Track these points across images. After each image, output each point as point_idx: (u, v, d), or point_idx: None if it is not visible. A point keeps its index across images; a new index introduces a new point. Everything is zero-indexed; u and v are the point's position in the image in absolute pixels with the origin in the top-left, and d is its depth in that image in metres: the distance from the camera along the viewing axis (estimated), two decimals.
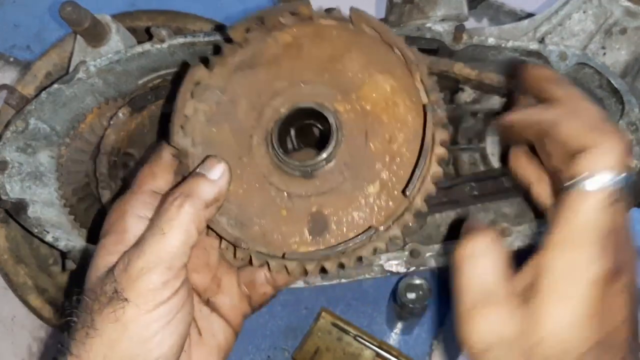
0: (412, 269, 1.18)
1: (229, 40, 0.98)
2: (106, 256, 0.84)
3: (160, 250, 0.80)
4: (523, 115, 0.92)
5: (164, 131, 1.12)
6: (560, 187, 0.79)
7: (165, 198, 0.85)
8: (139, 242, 0.82)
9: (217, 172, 0.88)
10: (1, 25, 1.95)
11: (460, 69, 1.16)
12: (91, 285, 0.82)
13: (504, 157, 1.27)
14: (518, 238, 1.17)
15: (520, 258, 0.82)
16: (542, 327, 0.75)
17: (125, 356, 0.78)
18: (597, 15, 1.23)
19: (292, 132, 1.02)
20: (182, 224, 0.82)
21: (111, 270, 0.81)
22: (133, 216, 0.86)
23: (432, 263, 1.18)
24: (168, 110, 1.01)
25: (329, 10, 1.28)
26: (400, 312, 1.46)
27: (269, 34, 0.96)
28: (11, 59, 1.92)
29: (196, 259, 0.95)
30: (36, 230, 1.21)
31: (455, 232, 1.22)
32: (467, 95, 1.31)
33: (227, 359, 0.98)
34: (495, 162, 1.26)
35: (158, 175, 0.90)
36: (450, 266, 0.84)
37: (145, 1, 1.92)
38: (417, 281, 1.41)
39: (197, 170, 0.88)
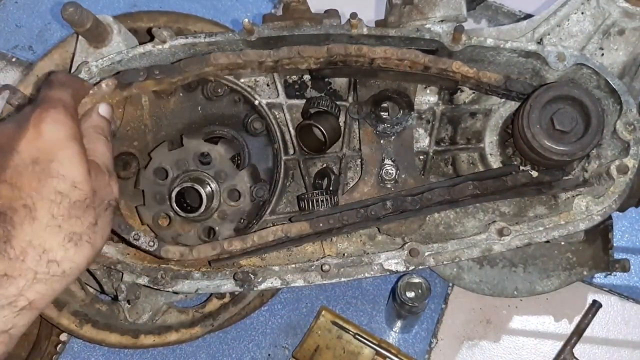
0: (412, 268, 1.19)
1: None
2: None
3: None
4: None
5: None
6: None
7: None
8: None
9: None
10: (3, 25, 1.96)
11: (459, 66, 1.16)
12: None
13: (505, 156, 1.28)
14: (516, 237, 1.18)
15: None
16: None
17: None
18: (595, 16, 1.23)
19: None
20: None
21: None
22: None
23: (432, 262, 1.18)
24: None
25: (328, 12, 1.30)
26: (400, 311, 1.47)
27: None
28: (13, 59, 1.92)
29: None
30: None
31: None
32: (465, 95, 1.32)
33: None
34: (494, 162, 1.27)
35: None
36: None
37: (146, 2, 1.93)
38: (417, 280, 1.42)
39: None
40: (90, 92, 1.06)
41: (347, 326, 1.58)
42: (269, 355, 1.64)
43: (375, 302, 1.68)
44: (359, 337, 1.57)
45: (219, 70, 1.22)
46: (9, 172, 0.85)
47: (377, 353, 1.55)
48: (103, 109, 1.04)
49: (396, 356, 1.55)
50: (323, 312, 1.60)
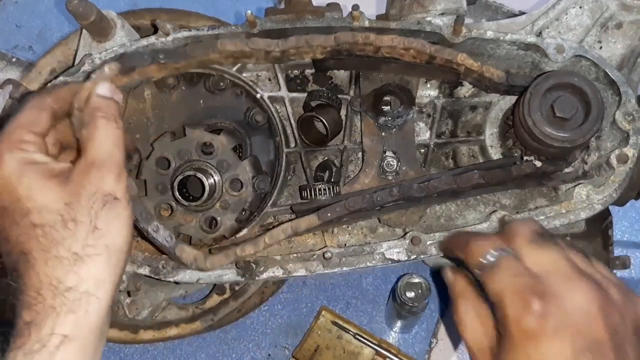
0: (413, 257, 1.19)
1: None
2: None
3: None
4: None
5: None
6: None
7: None
8: None
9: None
10: (3, 25, 1.96)
11: (464, 59, 1.17)
12: None
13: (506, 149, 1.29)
14: None
15: None
16: None
17: None
18: (593, 10, 1.25)
19: None
20: None
21: None
22: None
23: (433, 251, 1.19)
24: None
25: (330, 5, 1.32)
26: (400, 311, 1.47)
27: None
28: (13, 59, 1.93)
29: None
30: None
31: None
32: (466, 89, 1.33)
33: None
34: (494, 154, 1.28)
35: None
36: None
37: (146, 2, 1.93)
38: (417, 280, 1.42)
39: None
40: (93, 76, 1.00)
41: (347, 326, 1.57)
42: (269, 355, 1.63)
43: (375, 302, 1.67)
44: (359, 337, 1.56)
45: (224, 58, 1.22)
46: None
47: (377, 353, 1.55)
48: (101, 89, 0.94)
49: (396, 356, 1.54)
50: (323, 312, 1.59)
